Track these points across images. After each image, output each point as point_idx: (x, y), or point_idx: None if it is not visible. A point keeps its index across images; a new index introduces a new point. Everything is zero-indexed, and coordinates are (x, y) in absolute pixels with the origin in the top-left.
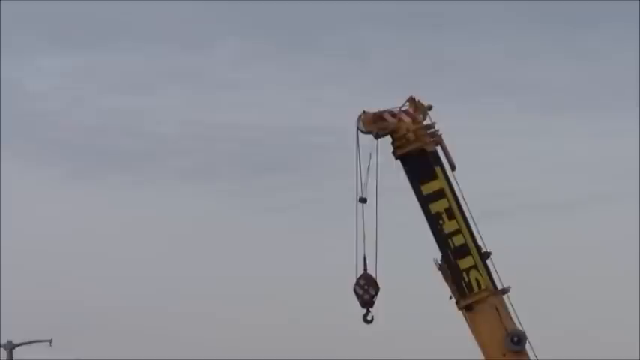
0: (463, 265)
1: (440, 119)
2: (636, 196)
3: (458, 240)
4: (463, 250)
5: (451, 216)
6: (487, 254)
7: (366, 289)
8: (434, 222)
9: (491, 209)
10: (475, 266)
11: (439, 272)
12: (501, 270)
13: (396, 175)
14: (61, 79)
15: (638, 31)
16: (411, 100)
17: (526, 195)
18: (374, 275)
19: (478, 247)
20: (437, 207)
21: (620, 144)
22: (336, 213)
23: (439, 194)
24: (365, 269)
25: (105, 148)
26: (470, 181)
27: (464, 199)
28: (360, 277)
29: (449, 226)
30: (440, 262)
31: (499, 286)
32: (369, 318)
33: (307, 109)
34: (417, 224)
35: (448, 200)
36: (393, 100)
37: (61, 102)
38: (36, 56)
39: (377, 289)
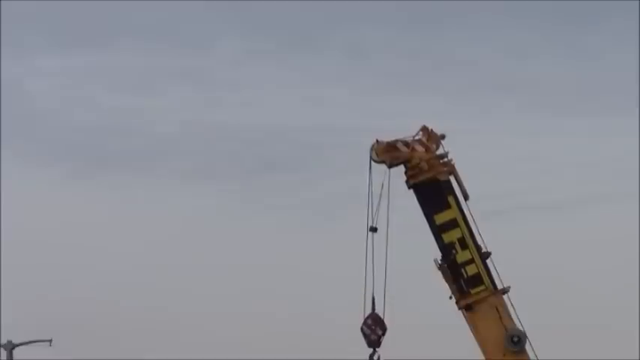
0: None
1: (440, 119)
2: (636, 196)
3: (471, 270)
4: (476, 280)
5: (464, 245)
6: (487, 254)
7: (373, 329)
8: (447, 251)
9: (490, 209)
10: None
11: (439, 272)
12: (501, 270)
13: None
14: (61, 79)
15: (638, 31)
16: (424, 129)
17: (526, 195)
18: (381, 315)
19: (478, 248)
20: (450, 236)
21: (620, 144)
22: (335, 213)
23: (452, 224)
24: (373, 309)
25: (105, 148)
26: (470, 180)
27: (465, 202)
28: (367, 317)
29: (462, 256)
30: (440, 262)
31: (499, 286)
32: (375, 358)
33: (307, 109)
34: (416, 227)
35: (461, 230)
36: (393, 100)
37: (61, 102)
38: (36, 56)
39: (384, 329)
